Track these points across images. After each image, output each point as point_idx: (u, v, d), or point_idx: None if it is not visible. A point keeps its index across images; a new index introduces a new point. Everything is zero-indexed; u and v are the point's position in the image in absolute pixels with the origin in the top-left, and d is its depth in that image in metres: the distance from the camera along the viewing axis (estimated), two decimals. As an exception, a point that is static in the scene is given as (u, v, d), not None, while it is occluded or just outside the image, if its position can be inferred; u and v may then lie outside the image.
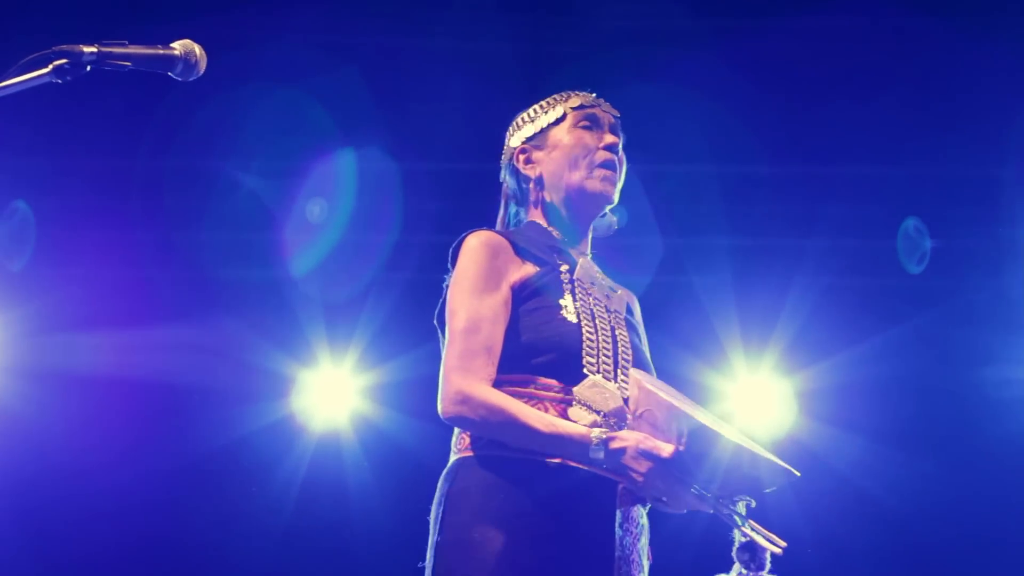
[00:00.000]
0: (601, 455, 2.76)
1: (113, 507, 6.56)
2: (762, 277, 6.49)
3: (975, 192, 6.19)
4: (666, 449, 2.77)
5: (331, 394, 6.69)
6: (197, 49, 2.38)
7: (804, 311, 6.48)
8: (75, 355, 6.40)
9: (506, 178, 3.16)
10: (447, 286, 2.90)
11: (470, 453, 2.80)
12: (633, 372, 2.91)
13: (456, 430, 2.84)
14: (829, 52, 5.87)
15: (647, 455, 2.77)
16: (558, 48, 5.98)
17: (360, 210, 6.23)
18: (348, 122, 5.92)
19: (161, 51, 2.34)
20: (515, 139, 3.16)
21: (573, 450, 2.77)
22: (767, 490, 2.84)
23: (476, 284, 2.86)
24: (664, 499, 2.82)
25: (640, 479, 2.77)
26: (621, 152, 3.17)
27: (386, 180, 6.19)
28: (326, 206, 6.25)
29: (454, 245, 2.93)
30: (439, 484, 2.82)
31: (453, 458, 2.83)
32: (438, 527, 2.74)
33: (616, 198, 3.13)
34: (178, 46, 2.37)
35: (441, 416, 2.76)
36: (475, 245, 2.90)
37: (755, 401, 6.76)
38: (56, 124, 5.77)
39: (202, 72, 2.39)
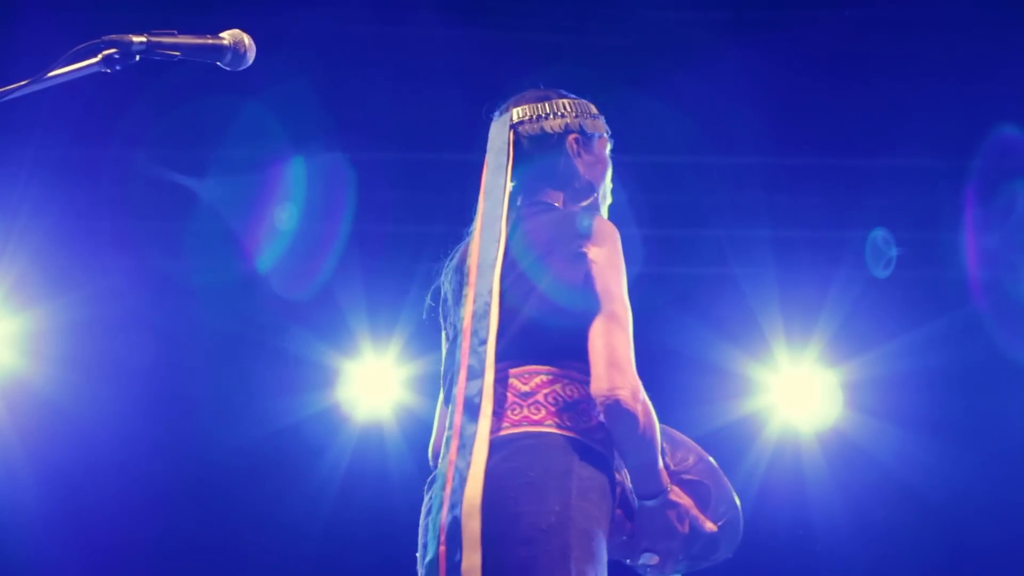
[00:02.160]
0: (659, 502, 2.82)
1: (156, 496, 6.60)
2: (805, 269, 6.46)
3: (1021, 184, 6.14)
4: (708, 525, 2.87)
5: (374, 385, 6.71)
6: (246, 39, 2.39)
7: (848, 302, 6.45)
8: (118, 344, 6.44)
9: (537, 144, 3.11)
10: (585, 253, 2.86)
11: (576, 436, 2.78)
12: (679, 433, 2.96)
13: (551, 409, 2.80)
14: (875, 42, 5.83)
15: (692, 523, 2.85)
16: (597, 39, 5.97)
17: (405, 201, 6.25)
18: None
19: (210, 41, 2.36)
20: (572, 121, 3.12)
21: (653, 485, 2.82)
22: None
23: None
24: (657, 559, 2.86)
25: (665, 537, 2.83)
26: None
27: (425, 171, 6.21)
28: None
29: (589, 221, 2.91)
30: (541, 446, 2.75)
31: (554, 431, 2.77)
32: (563, 499, 2.67)
33: None
34: (227, 36, 2.39)
35: (607, 398, 2.72)
36: (617, 235, 2.92)
37: (798, 393, 6.73)
38: (99, 115, 5.79)
39: (251, 62, 2.40)
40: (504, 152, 3.06)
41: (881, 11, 5.79)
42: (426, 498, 2.89)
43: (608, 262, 2.85)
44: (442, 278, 3.14)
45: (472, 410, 2.77)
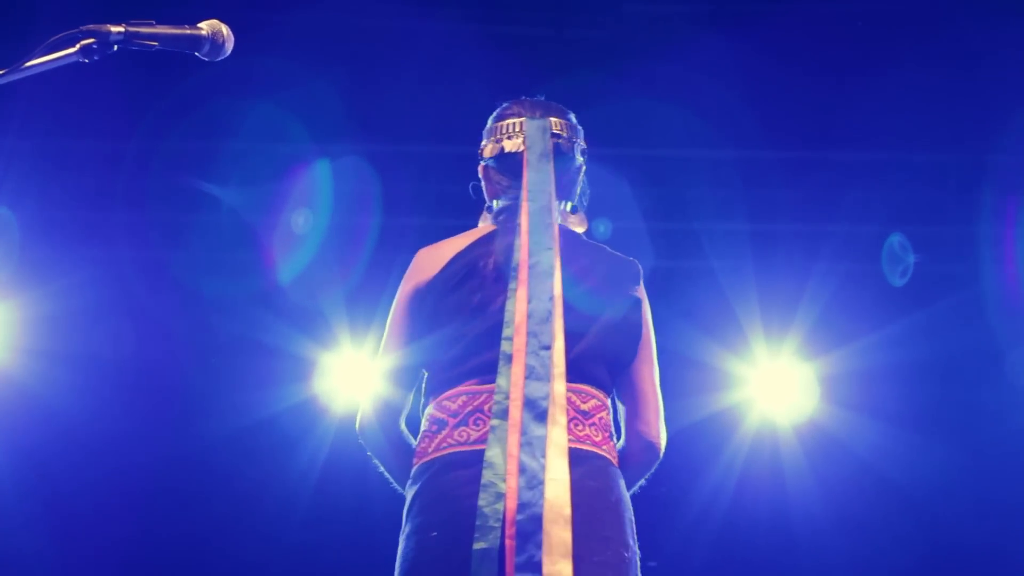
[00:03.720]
0: None
1: (134, 488, 6.59)
2: (783, 262, 6.47)
3: (999, 178, 6.16)
4: None
5: (352, 376, 6.71)
6: (224, 29, 2.38)
7: (825, 296, 6.47)
8: (96, 336, 6.42)
9: (567, 161, 3.16)
10: (639, 299, 3.03)
11: (619, 470, 2.95)
12: None
13: (604, 435, 2.94)
14: (852, 36, 5.85)
15: None
16: (577, 32, 5.97)
17: (376, 193, 6.24)
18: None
19: (188, 31, 2.35)
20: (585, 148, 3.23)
21: None
22: None
23: None
24: None
25: None
26: None
27: (402, 164, 6.20)
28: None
29: (640, 267, 3.08)
30: (612, 472, 2.91)
31: (611, 459, 2.93)
32: (633, 533, 2.89)
33: None
34: (205, 26, 2.38)
35: (653, 444, 3.02)
36: None
37: (776, 386, 6.75)
38: (79, 107, 5.78)
39: (229, 52, 2.39)
40: (548, 158, 3.08)
41: (859, 4, 5.80)
42: (447, 476, 2.85)
43: (649, 313, 3.06)
44: (473, 251, 3.05)
45: (539, 413, 2.79)
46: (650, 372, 3.04)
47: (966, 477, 6.54)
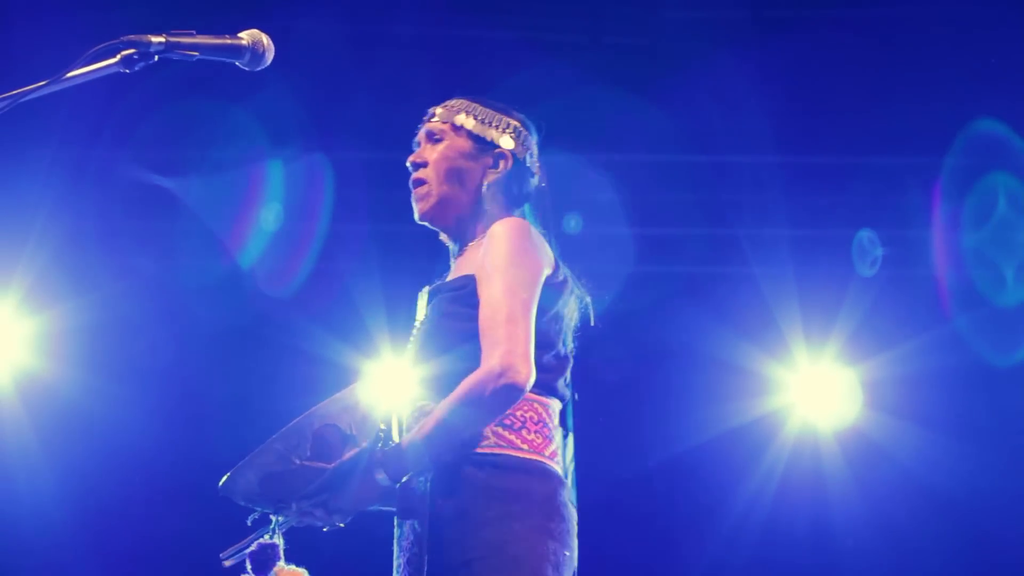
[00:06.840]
0: None
1: (175, 496, 6.60)
2: (824, 267, 6.45)
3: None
4: None
5: (393, 384, 6.70)
6: (264, 39, 2.39)
7: (867, 301, 6.44)
8: (138, 345, 6.45)
9: None
10: None
11: None
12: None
13: None
14: (893, 41, 5.83)
15: None
16: (620, 39, 5.97)
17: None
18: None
19: (229, 41, 2.36)
20: None
21: None
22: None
23: None
24: None
25: None
26: (422, 157, 3.27)
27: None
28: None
29: None
30: None
31: None
32: None
33: (422, 214, 3.22)
34: (246, 36, 2.39)
35: None
36: None
37: (817, 392, 6.72)
38: (120, 117, 5.81)
39: (269, 62, 2.40)
40: None
41: (897, 10, 5.78)
42: (569, 501, 2.85)
43: None
44: (560, 271, 2.97)
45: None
46: None
47: (1012, 484, 6.49)
